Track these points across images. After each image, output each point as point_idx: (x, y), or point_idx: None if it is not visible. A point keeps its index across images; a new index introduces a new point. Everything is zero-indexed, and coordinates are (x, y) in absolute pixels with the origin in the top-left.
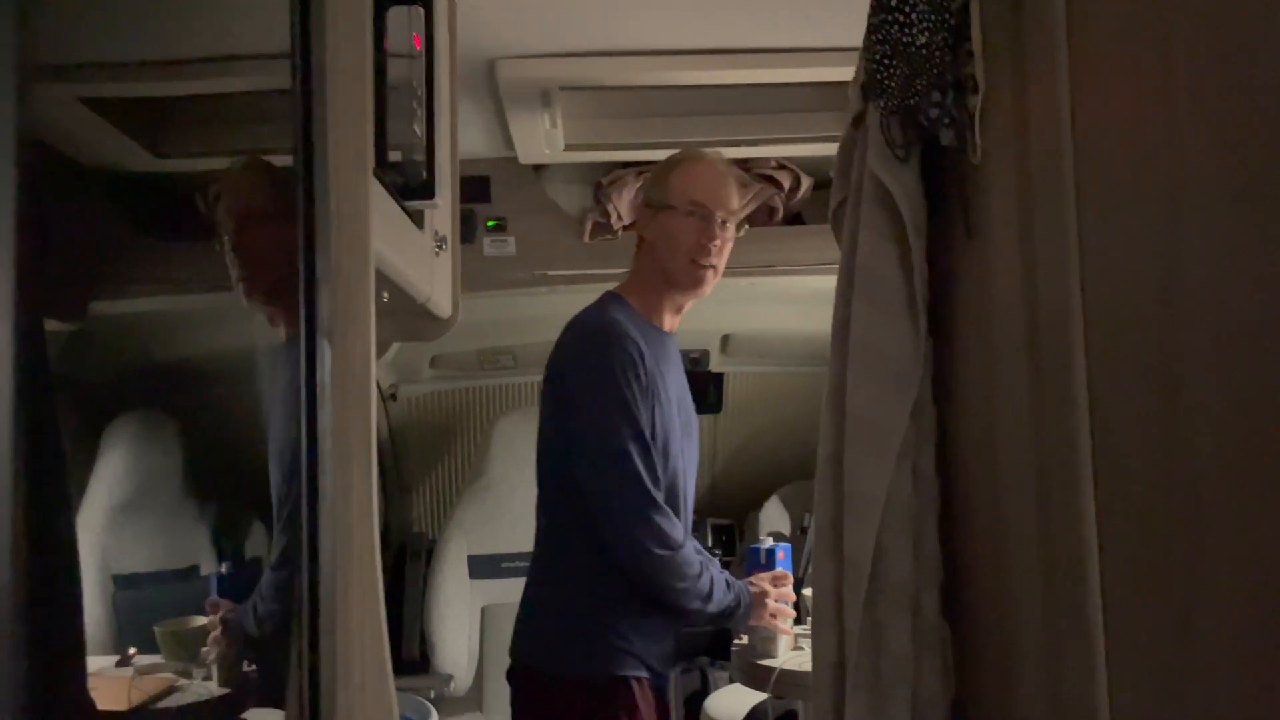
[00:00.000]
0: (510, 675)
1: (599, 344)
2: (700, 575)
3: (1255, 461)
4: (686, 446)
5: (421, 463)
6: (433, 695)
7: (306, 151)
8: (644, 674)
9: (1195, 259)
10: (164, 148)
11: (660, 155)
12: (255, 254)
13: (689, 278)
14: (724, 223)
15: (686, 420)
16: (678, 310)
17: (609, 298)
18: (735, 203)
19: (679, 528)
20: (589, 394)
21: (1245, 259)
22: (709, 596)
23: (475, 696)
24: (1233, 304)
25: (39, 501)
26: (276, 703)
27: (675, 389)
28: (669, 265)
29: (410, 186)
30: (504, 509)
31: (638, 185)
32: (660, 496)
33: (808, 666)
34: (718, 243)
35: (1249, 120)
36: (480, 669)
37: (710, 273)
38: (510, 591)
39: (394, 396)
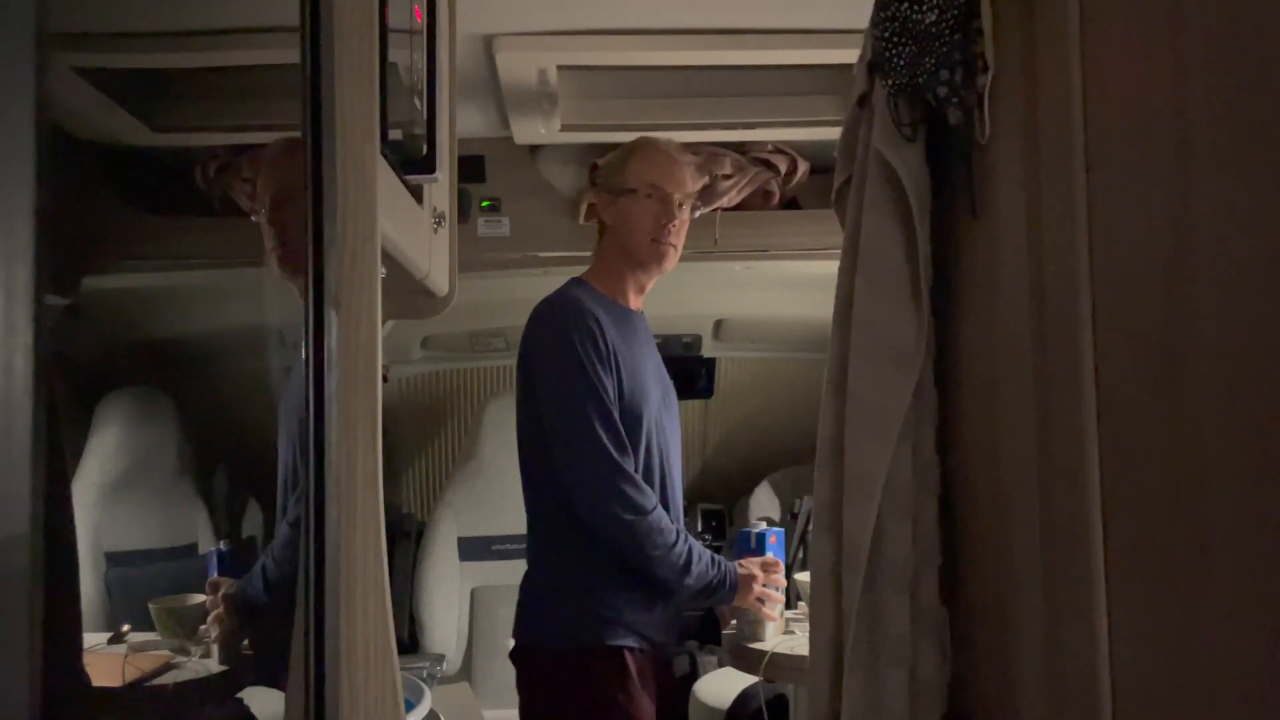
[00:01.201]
0: (512, 655)
1: (558, 320)
2: (675, 545)
3: (1260, 441)
4: (666, 420)
5: (412, 444)
6: (425, 675)
7: (315, 121)
8: (635, 644)
9: (1204, 240)
10: (162, 122)
11: (658, 137)
12: (291, 227)
13: (652, 254)
14: (681, 204)
15: (664, 393)
16: (641, 289)
17: (571, 282)
18: (690, 185)
19: (649, 495)
20: (550, 368)
21: (1254, 240)
22: (686, 568)
23: (464, 677)
24: (1240, 285)
25: (31, 478)
26: (276, 681)
27: (650, 363)
28: (631, 246)
29: (410, 161)
30: (494, 491)
31: None
32: (629, 463)
33: (798, 650)
34: (676, 223)
35: (1261, 102)
36: (470, 650)
37: (671, 250)
38: (500, 574)
39: (385, 378)
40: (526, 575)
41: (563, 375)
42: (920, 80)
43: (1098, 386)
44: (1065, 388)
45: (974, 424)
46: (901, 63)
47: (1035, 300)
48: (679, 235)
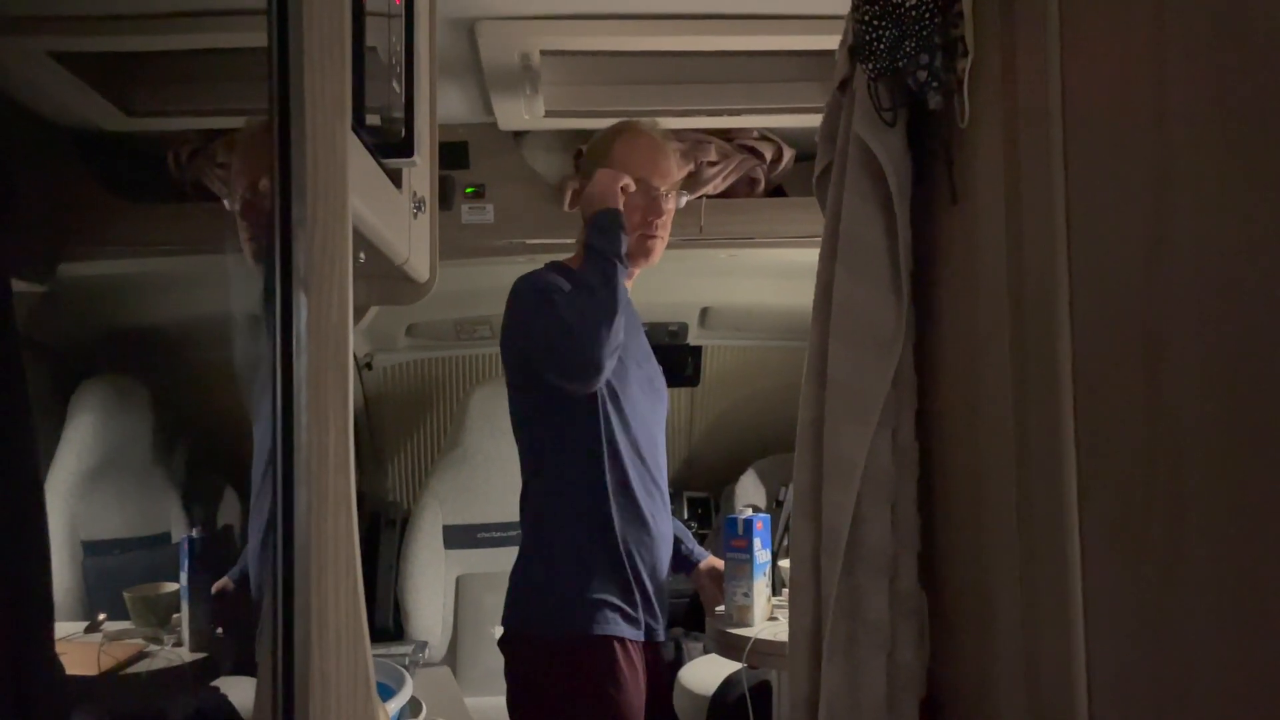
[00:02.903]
0: (501, 643)
1: (532, 287)
2: (578, 306)
3: (1236, 425)
4: (649, 403)
5: (397, 432)
6: (406, 662)
7: (282, 101)
8: (627, 634)
9: (1182, 226)
10: (135, 105)
11: (641, 122)
12: (263, 216)
13: (639, 249)
14: (666, 195)
15: (651, 378)
16: (628, 277)
17: (551, 265)
18: (675, 173)
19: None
20: (519, 319)
21: (1231, 227)
22: (595, 293)
23: (449, 664)
24: (1217, 272)
25: (5, 467)
26: (250, 668)
27: (636, 349)
28: None
29: (388, 144)
30: (479, 479)
31: None
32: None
33: (781, 637)
34: (663, 218)
35: (1240, 87)
36: (454, 638)
37: (658, 242)
38: (485, 561)
39: (369, 365)
40: (517, 563)
41: (531, 312)
42: (900, 64)
43: (1074, 371)
44: (1042, 372)
45: (953, 409)
46: (882, 47)
47: (1014, 285)
48: (665, 228)
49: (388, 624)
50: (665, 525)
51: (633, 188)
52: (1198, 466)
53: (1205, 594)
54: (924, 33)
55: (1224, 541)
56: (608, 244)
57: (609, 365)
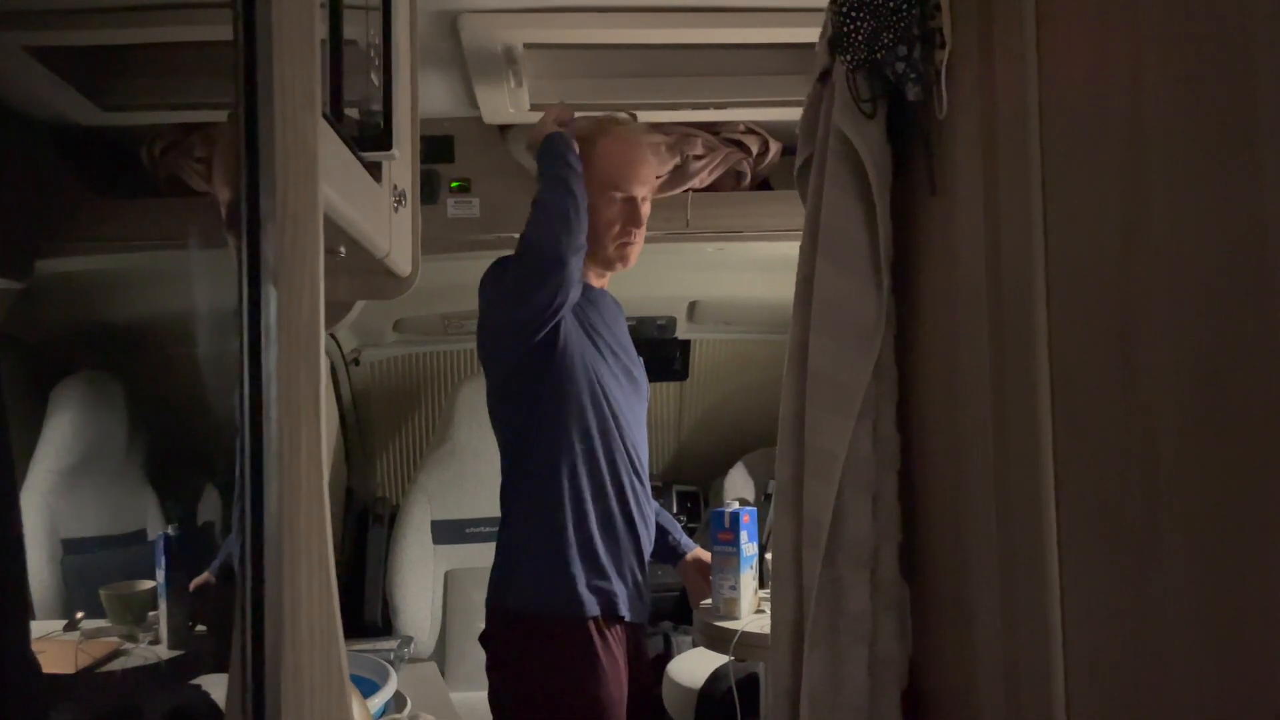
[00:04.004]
0: (482, 637)
1: (503, 263)
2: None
3: (1209, 414)
4: (631, 394)
5: (385, 428)
6: (392, 657)
7: (249, 92)
8: (607, 618)
9: (1156, 219)
10: (110, 99)
11: (622, 121)
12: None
13: (617, 255)
14: (644, 200)
15: (627, 369)
16: (602, 275)
17: None
18: (654, 176)
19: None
20: (491, 285)
21: (1204, 220)
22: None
23: (437, 660)
24: (1191, 264)
25: None
26: (226, 665)
27: (612, 339)
28: (594, 244)
29: (367, 137)
30: (468, 474)
31: None
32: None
33: (768, 629)
34: (640, 228)
35: (1214, 82)
36: (443, 633)
37: (634, 248)
38: (473, 557)
39: (356, 361)
40: (496, 554)
41: (497, 270)
42: (878, 56)
43: (1052, 362)
44: (1020, 362)
45: (933, 400)
46: (860, 38)
47: (991, 276)
48: (642, 233)
49: (376, 619)
50: (647, 511)
51: (570, 116)
52: (1172, 456)
53: (1181, 581)
54: (901, 24)
55: (1199, 530)
56: (554, 160)
57: (574, 263)
